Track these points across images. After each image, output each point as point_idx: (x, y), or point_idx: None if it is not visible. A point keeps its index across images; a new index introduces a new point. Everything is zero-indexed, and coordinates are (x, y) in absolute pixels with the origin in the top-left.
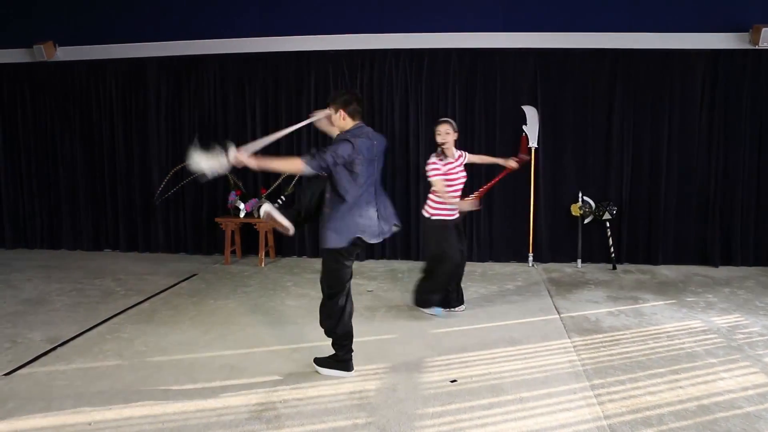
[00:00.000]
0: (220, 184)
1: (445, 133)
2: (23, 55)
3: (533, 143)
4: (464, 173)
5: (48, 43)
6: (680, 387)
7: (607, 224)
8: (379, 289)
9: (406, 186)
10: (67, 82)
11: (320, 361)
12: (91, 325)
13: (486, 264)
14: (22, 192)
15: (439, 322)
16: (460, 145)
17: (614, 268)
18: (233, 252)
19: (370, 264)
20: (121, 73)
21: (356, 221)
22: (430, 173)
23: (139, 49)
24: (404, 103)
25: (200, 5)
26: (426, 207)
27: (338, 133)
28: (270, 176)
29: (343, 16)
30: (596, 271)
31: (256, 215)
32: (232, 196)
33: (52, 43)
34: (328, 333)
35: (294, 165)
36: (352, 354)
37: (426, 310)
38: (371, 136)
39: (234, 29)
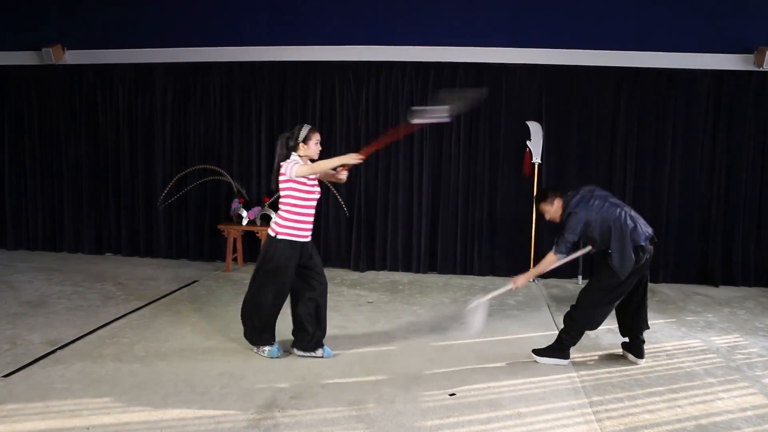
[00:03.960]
0: (224, 191)
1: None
2: (31, 58)
3: (536, 159)
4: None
5: (56, 46)
6: (678, 406)
7: None
8: (379, 300)
9: (410, 199)
10: (74, 86)
11: (540, 351)
12: (92, 329)
13: (487, 278)
14: (26, 193)
15: (439, 336)
16: (471, 159)
17: None
18: (234, 259)
19: (370, 275)
20: (128, 78)
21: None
22: None
23: (147, 55)
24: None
25: (209, 13)
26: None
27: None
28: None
29: (350, 27)
30: None
31: (258, 223)
32: (235, 203)
33: (60, 47)
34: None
35: (550, 261)
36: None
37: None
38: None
39: (241, 38)
